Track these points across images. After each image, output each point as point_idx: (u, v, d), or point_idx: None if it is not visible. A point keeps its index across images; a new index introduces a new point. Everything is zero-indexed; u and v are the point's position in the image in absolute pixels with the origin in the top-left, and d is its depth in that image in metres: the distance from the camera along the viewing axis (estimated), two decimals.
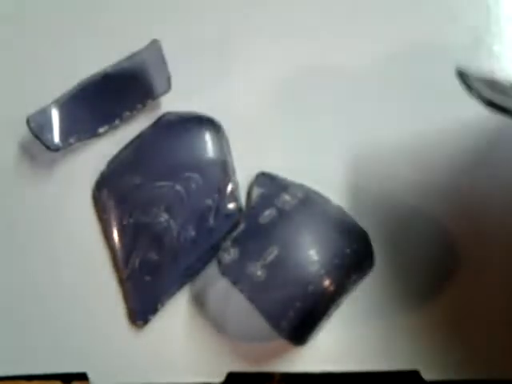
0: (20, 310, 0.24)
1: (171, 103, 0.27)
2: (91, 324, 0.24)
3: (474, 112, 0.26)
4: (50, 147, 0.25)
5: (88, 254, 0.25)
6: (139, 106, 0.26)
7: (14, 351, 0.24)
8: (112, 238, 0.25)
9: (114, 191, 0.25)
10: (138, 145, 0.26)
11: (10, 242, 0.25)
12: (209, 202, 0.25)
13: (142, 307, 0.24)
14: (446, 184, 0.26)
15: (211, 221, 0.25)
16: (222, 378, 0.24)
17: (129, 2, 0.28)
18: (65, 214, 0.25)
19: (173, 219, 0.25)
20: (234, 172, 0.26)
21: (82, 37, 0.28)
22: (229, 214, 0.25)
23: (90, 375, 0.24)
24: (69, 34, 0.28)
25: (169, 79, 0.26)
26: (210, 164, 0.25)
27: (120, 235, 0.25)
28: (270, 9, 0.28)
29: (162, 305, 0.24)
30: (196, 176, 0.25)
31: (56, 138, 0.25)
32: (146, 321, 0.24)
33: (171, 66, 0.26)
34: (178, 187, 0.25)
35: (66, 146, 0.25)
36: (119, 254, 0.25)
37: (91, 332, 0.24)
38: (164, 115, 0.26)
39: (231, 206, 0.25)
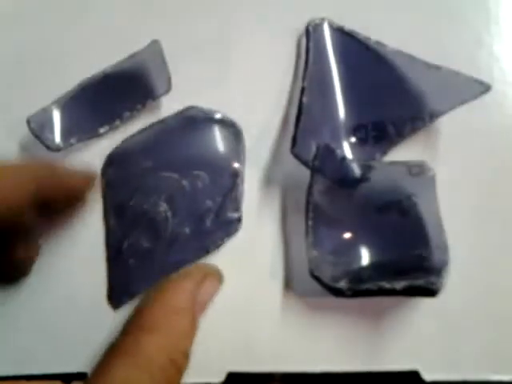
0: (19, 309, 0.24)
1: (171, 103, 0.27)
2: (91, 324, 0.24)
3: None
4: (51, 147, 0.25)
5: (88, 254, 0.25)
6: (139, 106, 0.26)
7: (14, 351, 0.24)
8: (109, 217, 0.25)
9: (122, 169, 0.25)
10: (159, 130, 0.26)
11: None
12: (210, 204, 0.25)
13: (119, 287, 0.24)
14: None
15: (208, 223, 0.25)
16: (222, 378, 0.24)
17: (129, 3, 0.28)
18: None
19: (171, 211, 0.24)
20: (242, 181, 0.25)
21: (82, 37, 0.28)
22: (227, 222, 0.25)
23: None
24: (69, 35, 0.28)
25: (169, 79, 0.26)
26: (221, 167, 0.25)
27: (117, 215, 0.25)
28: (270, 8, 0.28)
29: (139, 291, 0.24)
30: (204, 175, 0.25)
31: (57, 138, 0.25)
32: (120, 301, 0.24)
33: (171, 67, 0.26)
34: (184, 182, 0.25)
35: (66, 147, 0.25)
36: (112, 232, 0.25)
37: (91, 332, 0.24)
38: (189, 108, 0.26)
39: (231, 214, 0.25)
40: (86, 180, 0.24)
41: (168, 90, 0.26)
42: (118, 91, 0.26)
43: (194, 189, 0.25)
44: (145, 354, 0.18)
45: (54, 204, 0.23)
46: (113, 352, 0.19)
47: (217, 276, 0.23)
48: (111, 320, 0.24)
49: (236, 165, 0.25)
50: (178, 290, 0.21)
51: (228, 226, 0.25)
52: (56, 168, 0.23)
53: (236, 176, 0.25)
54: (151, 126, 0.26)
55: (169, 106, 0.27)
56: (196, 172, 0.25)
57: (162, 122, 0.26)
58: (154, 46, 0.27)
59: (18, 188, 0.20)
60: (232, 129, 0.26)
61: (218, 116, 0.26)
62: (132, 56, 0.27)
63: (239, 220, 0.25)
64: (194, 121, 0.26)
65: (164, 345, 0.19)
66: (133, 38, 0.27)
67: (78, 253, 0.25)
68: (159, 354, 0.19)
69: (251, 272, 0.24)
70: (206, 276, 0.22)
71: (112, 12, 0.28)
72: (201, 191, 0.25)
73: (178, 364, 0.19)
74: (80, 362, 0.24)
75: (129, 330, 0.20)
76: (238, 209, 0.25)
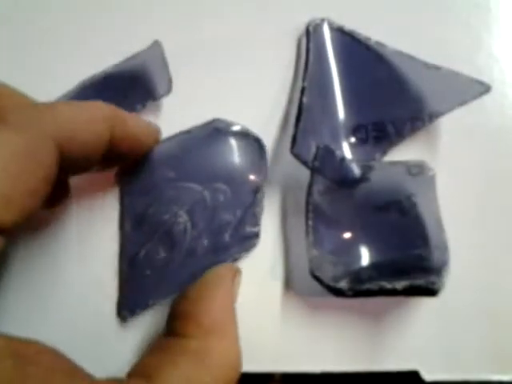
0: (19, 309, 0.24)
1: (172, 105, 0.27)
2: (91, 324, 0.24)
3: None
4: None
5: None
6: (140, 107, 0.26)
7: None
8: (126, 225, 0.25)
9: (143, 177, 0.25)
10: (183, 141, 0.26)
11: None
12: (230, 218, 0.25)
13: (131, 297, 0.24)
14: None
15: (227, 237, 0.25)
16: None
17: (130, 3, 0.28)
18: (64, 216, 0.25)
19: (191, 222, 0.24)
20: (263, 197, 0.25)
21: (82, 37, 0.28)
22: (246, 237, 0.25)
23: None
24: (70, 35, 0.28)
25: (170, 80, 0.26)
26: (243, 182, 0.25)
27: (134, 223, 0.25)
28: (270, 9, 0.28)
29: (154, 302, 0.24)
30: (226, 189, 0.25)
31: None
32: (131, 312, 0.24)
33: (172, 68, 0.26)
34: (206, 194, 0.25)
35: None
36: (128, 241, 0.25)
37: (91, 332, 0.24)
38: (214, 120, 0.26)
39: (250, 229, 0.25)
40: (153, 134, 0.24)
41: (169, 90, 0.26)
42: (118, 92, 0.26)
43: (214, 202, 0.25)
44: (212, 358, 0.19)
45: (118, 154, 0.22)
46: (178, 351, 0.19)
47: (240, 273, 0.23)
48: (113, 321, 0.24)
49: (258, 180, 0.25)
50: (225, 292, 0.21)
51: (246, 241, 0.25)
52: (127, 118, 0.22)
53: (257, 191, 0.25)
54: (175, 136, 0.26)
55: (169, 107, 0.27)
56: (218, 185, 0.25)
57: (186, 132, 0.26)
58: (155, 47, 0.27)
59: (94, 134, 0.20)
60: (256, 144, 0.26)
61: (242, 130, 0.26)
62: (133, 57, 0.27)
63: (257, 235, 0.25)
64: (218, 133, 0.26)
65: (229, 350, 0.20)
66: (134, 39, 0.27)
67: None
68: (225, 360, 0.19)
69: (251, 272, 0.24)
70: (235, 275, 0.22)
71: (112, 12, 0.28)
72: (221, 204, 0.25)
73: (238, 370, 0.20)
74: (80, 362, 0.24)
75: (192, 332, 0.19)
76: (257, 224, 0.25)
